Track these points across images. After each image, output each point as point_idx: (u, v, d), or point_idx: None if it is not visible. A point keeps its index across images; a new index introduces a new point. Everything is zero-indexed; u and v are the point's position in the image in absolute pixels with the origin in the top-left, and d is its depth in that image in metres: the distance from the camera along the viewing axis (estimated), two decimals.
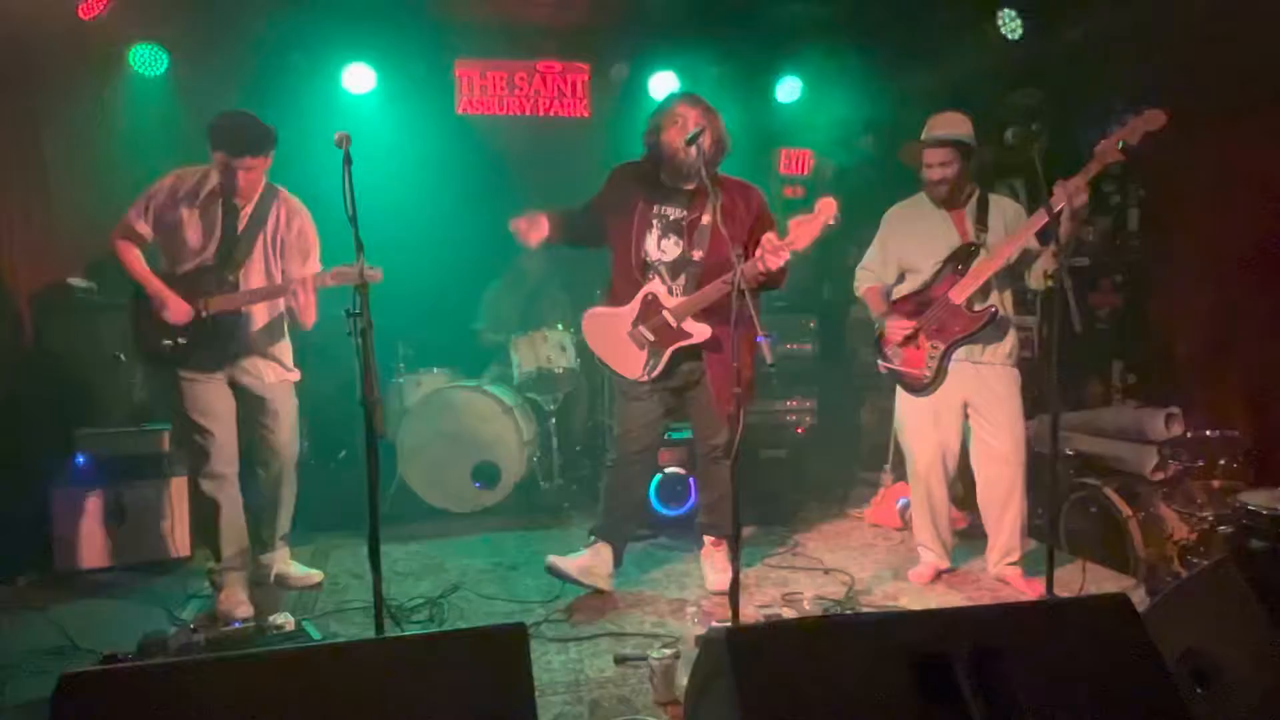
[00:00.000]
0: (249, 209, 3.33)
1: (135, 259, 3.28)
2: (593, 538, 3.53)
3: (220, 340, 3.30)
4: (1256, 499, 3.08)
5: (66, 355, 4.36)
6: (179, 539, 4.03)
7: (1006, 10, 4.70)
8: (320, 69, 5.23)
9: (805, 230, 3.08)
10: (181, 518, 4.04)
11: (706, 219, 3.29)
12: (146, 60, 4.89)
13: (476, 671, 1.56)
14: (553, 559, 3.43)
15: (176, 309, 3.21)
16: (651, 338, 3.33)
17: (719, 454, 3.43)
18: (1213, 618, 2.02)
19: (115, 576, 3.84)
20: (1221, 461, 3.62)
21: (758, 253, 3.09)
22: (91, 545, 3.88)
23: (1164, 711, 1.68)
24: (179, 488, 4.04)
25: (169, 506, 4.01)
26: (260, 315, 3.40)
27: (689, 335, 3.31)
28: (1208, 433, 3.70)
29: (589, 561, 3.44)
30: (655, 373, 3.36)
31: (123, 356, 4.31)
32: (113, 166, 4.57)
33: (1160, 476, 3.69)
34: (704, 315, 3.29)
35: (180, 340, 3.25)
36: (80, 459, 3.99)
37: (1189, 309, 4.11)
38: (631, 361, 3.40)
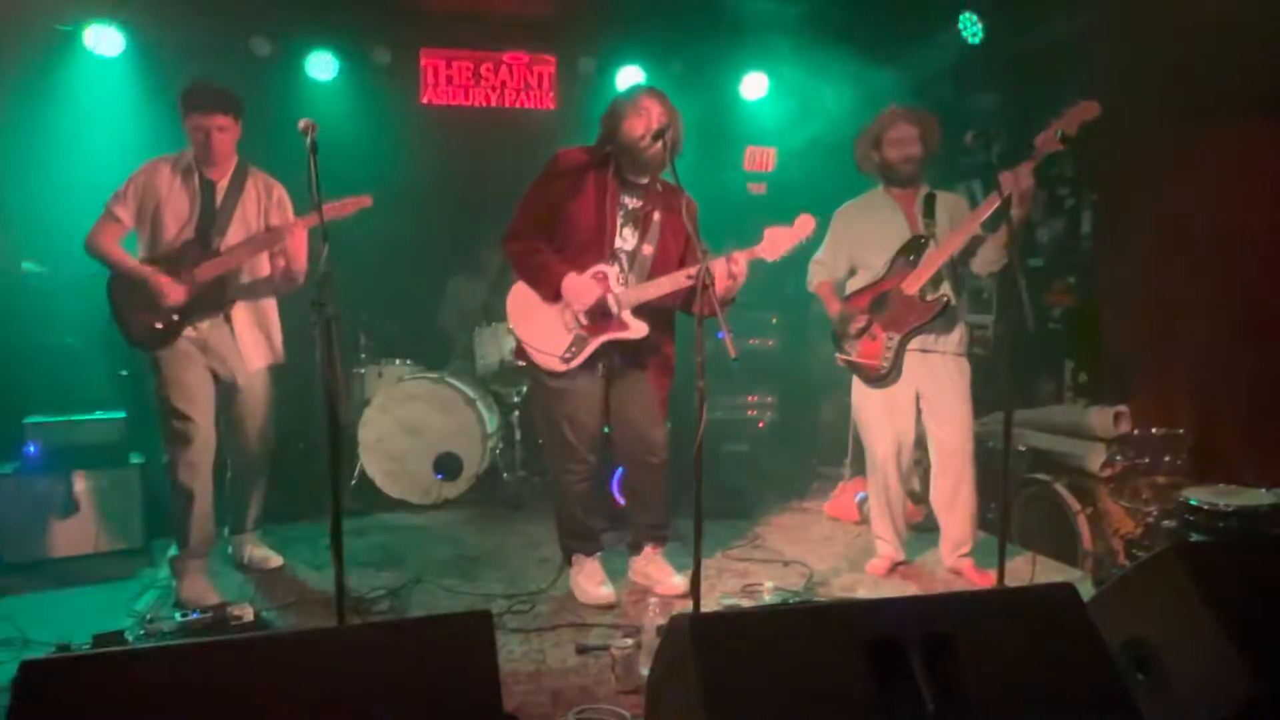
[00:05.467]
0: (224, 183, 3.39)
1: (119, 250, 3.30)
2: (577, 557, 3.43)
3: (210, 319, 3.37)
4: (1198, 495, 3.18)
5: (17, 340, 4.27)
6: (133, 529, 3.97)
7: (967, 14, 4.80)
8: (283, 55, 5.16)
9: (780, 240, 3.11)
10: (135, 508, 3.98)
11: (659, 216, 3.29)
12: (102, 41, 4.79)
13: (442, 659, 1.58)
14: (583, 598, 3.34)
15: (173, 290, 3.25)
16: (584, 321, 3.22)
17: (654, 453, 3.34)
18: (1154, 608, 2.09)
19: (68, 567, 3.77)
20: (1166, 458, 3.74)
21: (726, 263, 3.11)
22: (43, 535, 3.80)
23: (1107, 696, 1.75)
24: (132, 477, 3.98)
25: (123, 496, 3.95)
26: (249, 298, 3.46)
27: (625, 328, 3.21)
28: (1153, 431, 3.83)
29: (599, 588, 3.35)
30: (573, 363, 3.24)
31: (75, 343, 4.23)
32: (67, 149, 4.47)
33: (1108, 472, 3.81)
34: (643, 313, 3.24)
35: (175, 318, 3.29)
36: (31, 447, 3.90)
37: (1137, 310, 4.23)
38: (552, 343, 3.24)
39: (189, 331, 3.33)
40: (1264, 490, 3.15)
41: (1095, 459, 3.87)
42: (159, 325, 3.28)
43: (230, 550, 3.76)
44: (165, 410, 3.33)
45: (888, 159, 3.54)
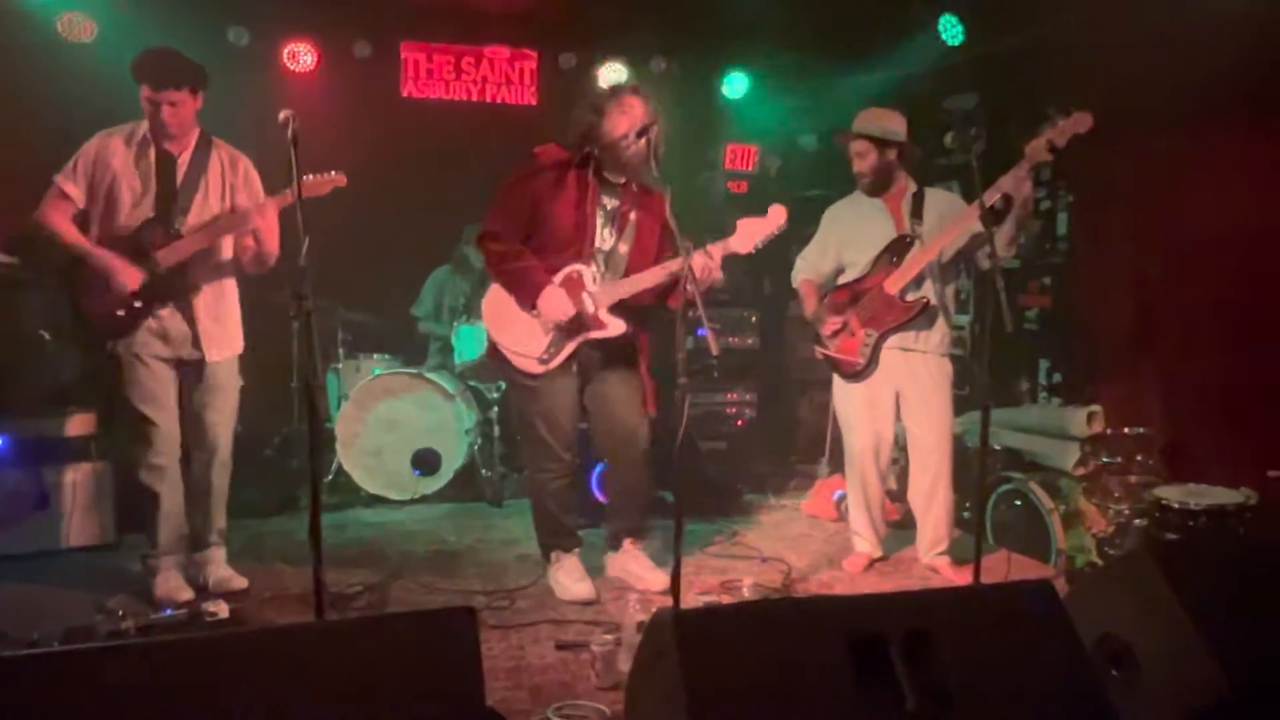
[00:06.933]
0: (185, 156, 3.19)
1: (69, 228, 3.11)
2: (556, 554, 3.40)
3: (171, 305, 3.18)
4: (1169, 494, 3.23)
5: None
6: (105, 525, 3.91)
7: (947, 16, 4.84)
8: (260, 45, 5.11)
9: (753, 231, 3.14)
10: (107, 503, 3.92)
11: (634, 215, 3.29)
12: (74, 28, 4.72)
13: (425, 654, 1.57)
14: (563, 595, 3.31)
15: (128, 275, 3.06)
16: (563, 322, 3.21)
17: (635, 446, 3.33)
18: (1127, 604, 2.13)
19: (38, 563, 3.71)
20: (1138, 458, 3.80)
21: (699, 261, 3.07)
22: (12, 530, 3.74)
23: (1081, 691, 1.78)
24: (105, 472, 3.92)
25: (94, 491, 3.89)
26: (211, 282, 3.26)
27: (602, 326, 3.21)
28: (1126, 430, 3.88)
29: (578, 584, 3.33)
30: (551, 363, 3.23)
31: (47, 335, 4.16)
32: (36, 137, 4.39)
33: (1081, 471, 3.86)
34: (618, 309, 3.23)
35: (136, 305, 3.11)
36: (1, 441, 3.83)
37: (1111, 311, 4.29)
38: (530, 344, 3.22)
39: (150, 322, 3.15)
40: (1232, 490, 3.21)
41: (1069, 458, 3.92)
42: (120, 313, 3.10)
43: (192, 569, 3.37)
44: (125, 410, 3.18)
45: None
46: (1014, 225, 3.29)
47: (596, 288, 3.23)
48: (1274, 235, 3.46)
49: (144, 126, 3.16)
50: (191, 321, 3.22)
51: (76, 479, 3.86)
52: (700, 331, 2.76)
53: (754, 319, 5.59)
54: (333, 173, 3.17)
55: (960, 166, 4.87)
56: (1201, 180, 3.77)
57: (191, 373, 3.28)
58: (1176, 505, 3.16)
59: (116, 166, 3.13)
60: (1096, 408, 3.98)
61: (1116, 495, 3.66)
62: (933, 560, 3.61)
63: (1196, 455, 3.73)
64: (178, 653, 1.59)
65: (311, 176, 3.08)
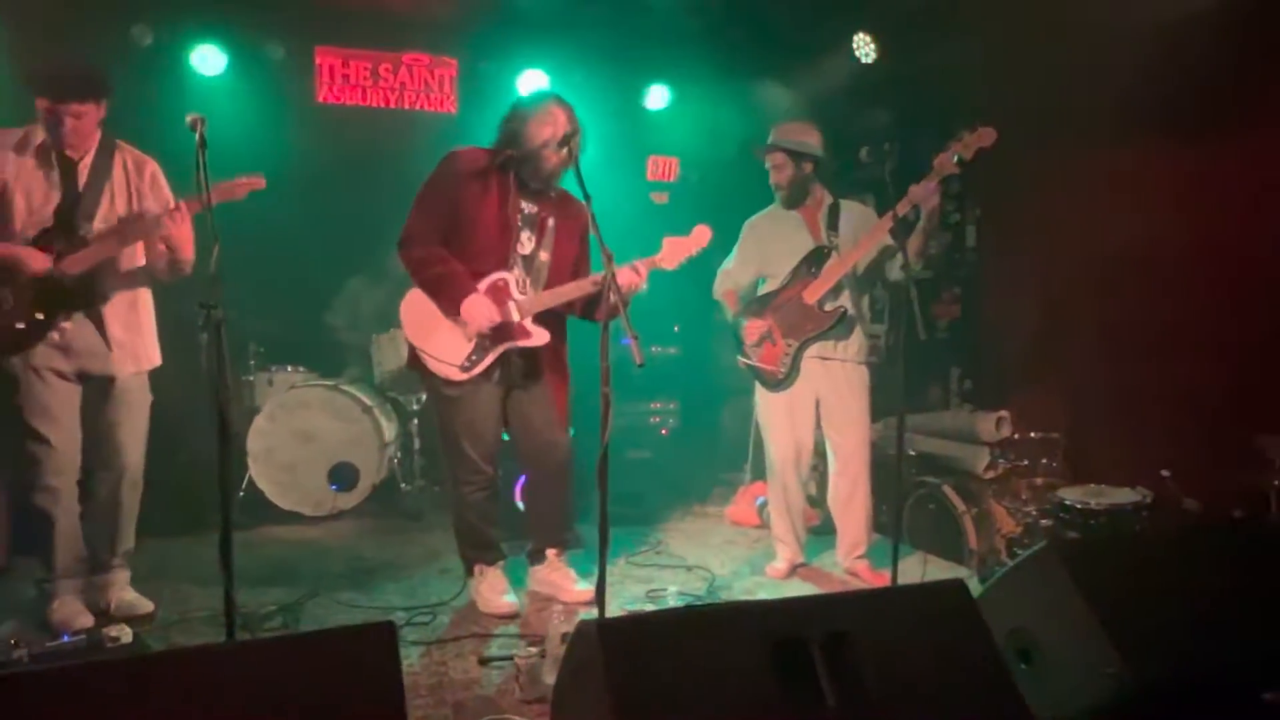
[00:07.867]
0: (87, 161, 3.02)
1: None
2: (479, 567, 3.37)
3: (78, 316, 3.00)
4: (1072, 495, 3.38)
5: None
6: None
7: (860, 35, 4.99)
8: (166, 46, 4.93)
9: (678, 250, 3.19)
10: None
11: (554, 222, 3.29)
12: None
13: (343, 673, 1.52)
14: (486, 608, 3.28)
15: (35, 259, 2.87)
16: (486, 330, 3.17)
17: (557, 458, 3.36)
18: (1035, 601, 2.22)
19: None
20: (1043, 461, 3.96)
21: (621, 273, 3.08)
22: None
23: (993, 685, 1.85)
24: None
25: None
26: (122, 291, 3.10)
27: (527, 335, 3.21)
28: (1032, 435, 4.04)
29: (501, 597, 3.29)
30: (473, 371, 3.20)
31: None
32: None
33: (991, 475, 4.01)
34: (540, 318, 3.23)
35: (38, 317, 2.92)
36: None
37: (1018, 321, 4.47)
38: (452, 351, 3.19)
39: (52, 334, 2.97)
40: (1130, 489, 3.37)
41: (980, 462, 4.06)
42: (20, 326, 2.91)
43: (92, 594, 3.19)
44: (17, 427, 2.98)
45: None
46: (922, 236, 3.40)
47: (522, 297, 3.21)
48: (1168, 249, 3.66)
49: (39, 132, 2.97)
50: (102, 332, 3.06)
51: None
52: (624, 341, 2.75)
53: (676, 328, 5.64)
54: (249, 175, 3.00)
55: (874, 181, 5.01)
56: (1101, 195, 3.97)
57: (97, 388, 3.10)
58: (1079, 505, 3.31)
59: (8, 173, 2.94)
60: (1005, 413, 4.13)
61: (1024, 497, 3.81)
62: (852, 564, 3.69)
63: (1097, 457, 3.90)
64: (77, 679, 1.51)
65: (228, 180, 2.92)
